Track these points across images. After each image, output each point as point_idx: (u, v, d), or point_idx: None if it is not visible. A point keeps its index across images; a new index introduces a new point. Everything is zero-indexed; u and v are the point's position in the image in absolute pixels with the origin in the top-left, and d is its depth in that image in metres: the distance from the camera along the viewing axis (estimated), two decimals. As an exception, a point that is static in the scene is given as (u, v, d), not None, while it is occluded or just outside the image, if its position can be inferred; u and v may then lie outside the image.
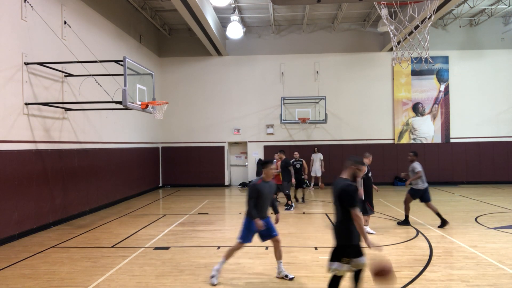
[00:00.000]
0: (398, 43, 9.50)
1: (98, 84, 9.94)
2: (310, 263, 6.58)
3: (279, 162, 12.23)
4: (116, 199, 13.50)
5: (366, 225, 8.57)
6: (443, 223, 9.08)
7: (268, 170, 5.74)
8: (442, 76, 18.42)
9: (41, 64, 9.23)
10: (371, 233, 8.57)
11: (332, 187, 4.66)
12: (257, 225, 5.64)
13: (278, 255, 5.90)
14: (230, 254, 5.86)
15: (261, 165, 5.87)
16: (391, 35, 9.25)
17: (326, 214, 10.89)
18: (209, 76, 18.96)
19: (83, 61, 10.06)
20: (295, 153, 13.33)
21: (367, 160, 8.70)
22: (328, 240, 8.16)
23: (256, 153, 18.90)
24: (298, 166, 12.82)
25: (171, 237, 8.54)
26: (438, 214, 9.21)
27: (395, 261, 6.61)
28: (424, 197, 9.32)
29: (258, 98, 18.83)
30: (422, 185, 9.24)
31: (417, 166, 9.29)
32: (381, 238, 8.28)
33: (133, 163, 15.20)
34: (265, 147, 18.74)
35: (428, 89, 18.43)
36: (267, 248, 7.57)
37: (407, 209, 9.51)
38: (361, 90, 18.57)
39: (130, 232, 9.06)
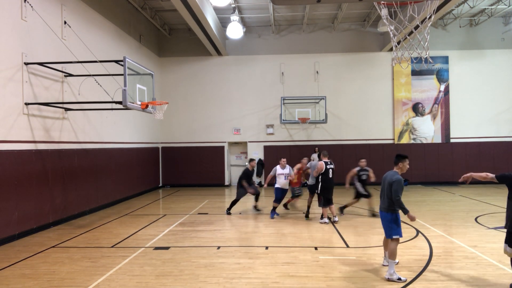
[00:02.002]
0: (398, 43, 9.51)
1: (98, 84, 9.94)
2: (310, 263, 6.58)
3: (303, 166, 11.07)
4: (116, 199, 13.50)
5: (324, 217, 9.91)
6: (307, 216, 10.43)
7: (405, 164, 5.98)
8: (442, 76, 18.42)
9: (41, 64, 9.24)
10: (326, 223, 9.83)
11: None
12: (412, 219, 5.77)
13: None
14: (394, 252, 5.83)
15: (397, 158, 6.04)
16: (391, 35, 9.24)
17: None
18: (209, 76, 18.96)
19: (83, 61, 10.06)
20: (362, 160, 10.79)
21: (326, 158, 10.06)
22: (328, 240, 8.17)
23: (256, 153, 18.89)
24: (364, 177, 10.57)
25: (171, 237, 8.54)
26: (308, 207, 10.59)
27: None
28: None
29: (258, 98, 18.83)
30: (312, 181, 10.49)
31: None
32: (381, 238, 8.26)
33: (133, 163, 15.20)
34: (265, 147, 18.74)
35: (428, 89, 18.43)
36: (267, 248, 7.58)
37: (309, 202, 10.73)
38: (361, 90, 18.57)
39: (130, 232, 9.06)
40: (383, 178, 6.04)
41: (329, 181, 9.87)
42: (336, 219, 9.90)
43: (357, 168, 10.63)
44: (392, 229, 5.87)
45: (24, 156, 8.79)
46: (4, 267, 6.55)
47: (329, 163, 9.92)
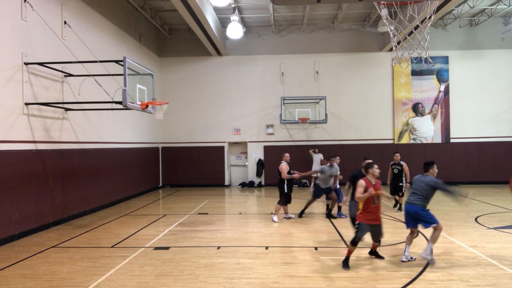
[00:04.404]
0: (398, 43, 9.51)
1: (98, 84, 9.94)
2: (310, 263, 6.58)
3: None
4: (116, 199, 13.50)
5: (287, 212, 10.52)
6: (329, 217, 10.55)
7: (434, 169, 6.65)
8: (442, 76, 18.42)
9: (41, 64, 9.23)
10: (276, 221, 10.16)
11: None
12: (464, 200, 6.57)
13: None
14: (437, 238, 6.53)
15: (426, 165, 6.71)
16: (391, 35, 9.25)
17: (326, 214, 10.88)
18: (209, 76, 18.96)
19: (83, 61, 10.06)
20: (396, 154, 11.29)
21: (288, 158, 10.41)
22: (328, 240, 8.17)
23: (256, 153, 18.90)
24: (396, 171, 11.09)
25: (171, 237, 8.54)
26: (330, 208, 10.64)
27: (395, 261, 6.62)
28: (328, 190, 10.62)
29: (258, 98, 18.83)
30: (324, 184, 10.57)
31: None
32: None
33: (133, 163, 15.20)
34: (265, 147, 18.74)
35: (428, 89, 18.43)
36: (267, 248, 7.58)
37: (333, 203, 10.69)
38: (361, 90, 18.57)
39: (130, 232, 9.06)
40: (414, 180, 6.75)
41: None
42: (276, 216, 10.32)
43: (391, 163, 11.27)
44: (426, 220, 6.51)
45: (24, 156, 8.79)
46: (4, 267, 6.54)
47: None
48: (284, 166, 10.17)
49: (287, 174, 10.09)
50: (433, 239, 6.49)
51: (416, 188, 6.61)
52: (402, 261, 6.55)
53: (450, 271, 6.04)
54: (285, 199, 10.21)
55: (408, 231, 6.80)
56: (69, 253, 7.37)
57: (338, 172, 10.55)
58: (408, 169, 11.04)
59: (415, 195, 6.59)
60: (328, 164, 10.43)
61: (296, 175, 10.19)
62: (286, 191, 10.15)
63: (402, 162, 11.09)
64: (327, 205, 10.73)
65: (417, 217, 6.52)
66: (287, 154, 10.47)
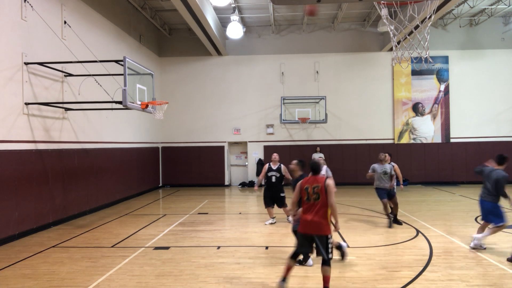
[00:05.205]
0: (398, 43, 9.50)
1: (98, 84, 9.94)
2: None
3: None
4: (116, 199, 13.50)
5: (273, 217, 9.89)
6: (394, 222, 9.53)
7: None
8: (442, 76, 18.42)
9: (41, 64, 9.23)
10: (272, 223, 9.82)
11: None
12: None
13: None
14: (495, 232, 7.18)
15: (503, 159, 7.17)
16: (391, 35, 9.24)
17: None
18: (209, 76, 18.96)
19: (83, 61, 10.06)
20: (385, 155, 10.00)
21: (277, 158, 9.99)
22: (328, 240, 8.16)
23: (256, 153, 18.90)
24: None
25: (171, 237, 8.54)
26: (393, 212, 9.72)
27: (395, 261, 6.62)
28: (390, 194, 9.61)
29: (258, 98, 18.82)
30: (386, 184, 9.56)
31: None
32: (381, 238, 8.28)
33: (133, 163, 15.20)
34: (265, 147, 18.74)
35: (428, 89, 18.43)
36: (267, 248, 7.58)
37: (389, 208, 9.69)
38: (361, 90, 18.57)
39: (130, 232, 9.06)
40: (485, 174, 7.33)
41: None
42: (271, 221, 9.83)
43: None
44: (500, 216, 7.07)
45: (24, 156, 8.79)
46: (4, 267, 6.55)
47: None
48: (264, 167, 9.90)
49: (260, 177, 9.87)
50: (492, 232, 7.11)
51: (486, 183, 7.21)
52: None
53: (450, 271, 6.05)
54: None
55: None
56: (69, 253, 7.38)
57: (392, 172, 9.50)
58: (399, 170, 9.87)
59: (485, 190, 7.24)
60: (380, 161, 9.57)
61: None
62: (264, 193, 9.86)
63: (392, 163, 10.03)
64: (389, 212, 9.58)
65: (488, 213, 7.14)
66: (274, 155, 9.96)
